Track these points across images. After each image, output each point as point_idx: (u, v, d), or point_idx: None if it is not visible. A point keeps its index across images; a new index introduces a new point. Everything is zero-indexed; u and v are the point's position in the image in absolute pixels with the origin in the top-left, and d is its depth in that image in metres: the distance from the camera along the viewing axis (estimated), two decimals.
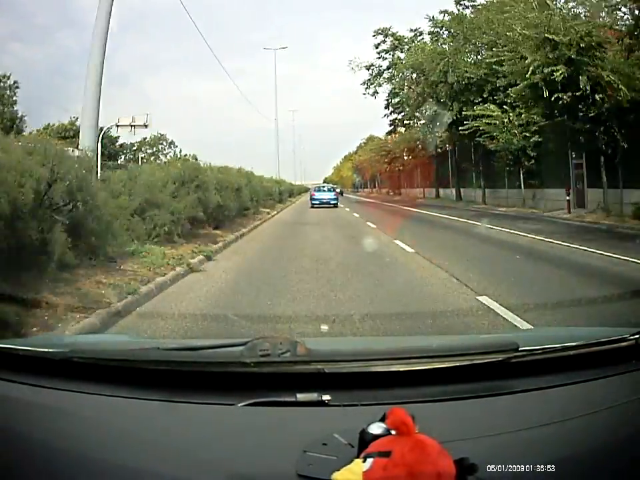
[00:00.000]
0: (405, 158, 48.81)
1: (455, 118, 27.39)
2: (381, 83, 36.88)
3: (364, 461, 0.87)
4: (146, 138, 59.19)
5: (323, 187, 35.89)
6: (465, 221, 17.42)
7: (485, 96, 25.33)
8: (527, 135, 22.13)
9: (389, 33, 36.02)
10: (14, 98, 37.27)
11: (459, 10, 29.14)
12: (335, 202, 30.38)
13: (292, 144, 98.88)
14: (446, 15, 30.00)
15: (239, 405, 1.16)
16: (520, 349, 1.26)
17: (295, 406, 1.16)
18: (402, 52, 35.15)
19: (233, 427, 1.12)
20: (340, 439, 0.97)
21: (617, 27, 16.13)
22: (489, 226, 14.27)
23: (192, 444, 1.04)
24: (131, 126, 21.52)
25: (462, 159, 33.82)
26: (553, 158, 21.96)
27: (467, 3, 29.40)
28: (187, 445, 1.04)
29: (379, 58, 36.62)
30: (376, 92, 36.94)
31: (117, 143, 50.31)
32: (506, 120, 22.36)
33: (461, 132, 25.79)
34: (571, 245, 10.27)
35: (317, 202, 29.98)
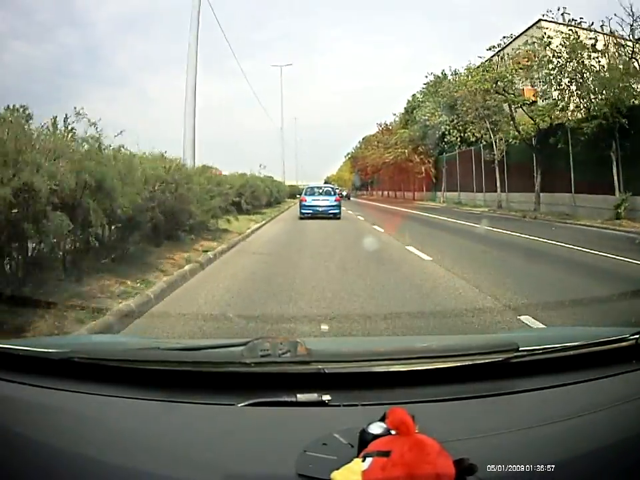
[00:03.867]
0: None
1: None
2: None
3: (363, 461, 0.87)
4: None
5: (319, 187, 23.00)
6: None
7: None
8: None
9: None
10: None
11: None
12: (336, 212, 20.32)
13: (291, 145, 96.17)
14: None
15: (239, 405, 1.16)
16: (520, 349, 1.26)
17: (295, 406, 1.16)
18: None
19: (232, 427, 1.12)
20: (340, 439, 0.97)
21: None
22: None
23: (192, 444, 1.04)
24: None
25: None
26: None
27: None
28: (186, 445, 1.04)
29: None
30: None
31: None
32: None
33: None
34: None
35: (310, 211, 20.13)
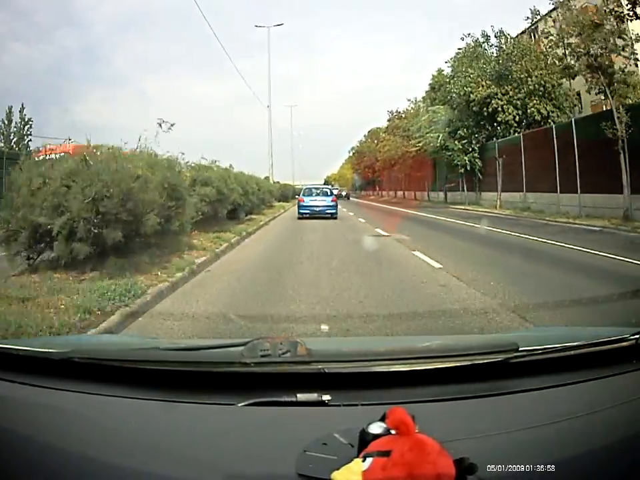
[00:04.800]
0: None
1: None
2: None
3: (363, 461, 0.87)
4: None
5: (316, 188, 23.60)
6: None
7: None
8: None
9: None
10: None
11: None
12: (333, 212, 20.99)
13: (290, 144, 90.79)
14: None
15: (239, 404, 1.16)
16: (520, 349, 1.26)
17: (295, 406, 1.16)
18: None
19: (233, 426, 1.12)
20: (340, 439, 0.97)
21: None
22: None
23: (192, 444, 1.04)
24: None
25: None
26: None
27: None
28: (187, 445, 1.04)
29: None
30: None
31: None
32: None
33: None
34: None
35: (307, 211, 20.91)
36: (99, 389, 1.25)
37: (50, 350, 1.42)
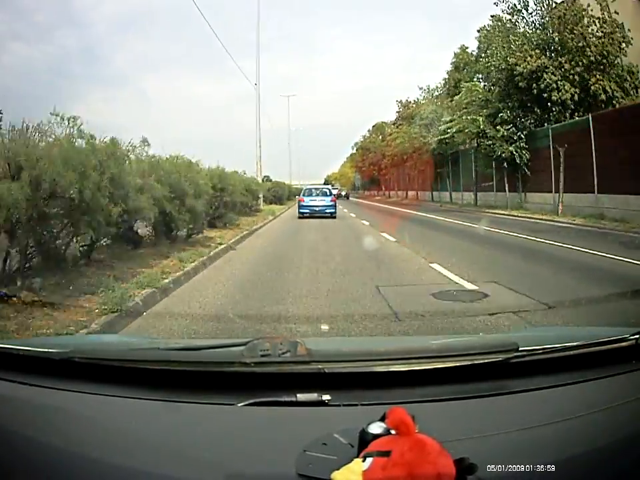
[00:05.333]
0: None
1: None
2: None
3: (363, 461, 0.87)
4: None
5: (316, 189, 24.47)
6: None
7: None
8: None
9: None
10: None
11: None
12: (332, 211, 21.76)
13: (287, 138, 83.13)
14: None
15: (239, 404, 1.16)
16: (520, 349, 1.26)
17: (295, 406, 1.16)
18: None
19: (233, 426, 1.12)
20: (340, 439, 0.97)
21: None
22: None
23: (192, 444, 1.04)
24: None
25: None
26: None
27: None
28: (187, 445, 1.04)
29: None
30: None
31: None
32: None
33: None
34: None
35: (307, 211, 21.71)
36: (99, 389, 1.25)
37: (50, 350, 1.42)
